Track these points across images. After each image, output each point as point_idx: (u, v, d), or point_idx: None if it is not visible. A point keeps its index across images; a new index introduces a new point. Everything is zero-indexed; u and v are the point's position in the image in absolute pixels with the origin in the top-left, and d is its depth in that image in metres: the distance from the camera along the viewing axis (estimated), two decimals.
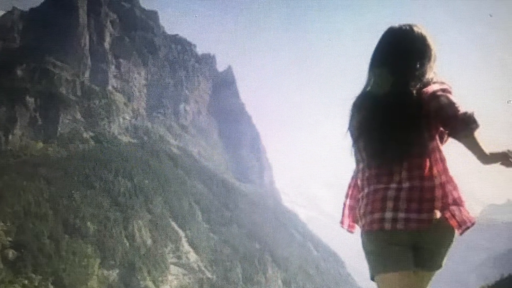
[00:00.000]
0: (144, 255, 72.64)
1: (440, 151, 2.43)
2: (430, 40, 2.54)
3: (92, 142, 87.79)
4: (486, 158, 2.37)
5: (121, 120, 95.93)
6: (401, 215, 2.35)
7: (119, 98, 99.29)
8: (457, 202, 2.39)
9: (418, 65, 2.46)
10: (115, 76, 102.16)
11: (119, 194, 78.54)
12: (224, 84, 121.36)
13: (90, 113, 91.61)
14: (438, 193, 2.37)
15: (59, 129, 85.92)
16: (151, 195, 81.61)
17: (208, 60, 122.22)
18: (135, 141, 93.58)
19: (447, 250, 2.46)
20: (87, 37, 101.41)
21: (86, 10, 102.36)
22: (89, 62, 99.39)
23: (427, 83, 2.44)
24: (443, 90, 2.40)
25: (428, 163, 2.39)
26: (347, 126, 2.59)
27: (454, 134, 2.37)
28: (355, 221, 2.62)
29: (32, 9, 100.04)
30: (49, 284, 62.49)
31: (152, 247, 74.70)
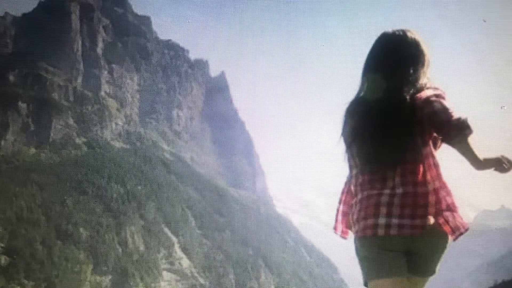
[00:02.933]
0: (136, 261, 72.50)
1: (433, 156, 2.43)
2: (424, 46, 2.53)
3: (84, 148, 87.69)
4: (480, 164, 2.37)
5: (113, 125, 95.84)
6: (395, 221, 2.35)
7: (112, 103, 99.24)
8: (451, 208, 2.38)
9: (411, 71, 2.46)
10: (107, 82, 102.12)
11: (111, 200, 78.40)
12: (217, 89, 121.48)
13: (82, 118, 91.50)
14: (432, 199, 2.37)
15: (52, 135, 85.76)
16: (144, 201, 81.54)
17: (201, 65, 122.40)
18: (127, 146, 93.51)
19: (440, 256, 2.45)
20: (80, 42, 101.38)
21: (78, 15, 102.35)
22: (81, 67, 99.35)
23: (421, 89, 2.44)
24: (437, 96, 2.40)
25: (421, 169, 2.39)
26: (340, 131, 2.59)
27: (448, 140, 2.37)
28: (348, 227, 2.61)
29: (24, 15, 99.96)
30: None
31: (144, 253, 74.57)
